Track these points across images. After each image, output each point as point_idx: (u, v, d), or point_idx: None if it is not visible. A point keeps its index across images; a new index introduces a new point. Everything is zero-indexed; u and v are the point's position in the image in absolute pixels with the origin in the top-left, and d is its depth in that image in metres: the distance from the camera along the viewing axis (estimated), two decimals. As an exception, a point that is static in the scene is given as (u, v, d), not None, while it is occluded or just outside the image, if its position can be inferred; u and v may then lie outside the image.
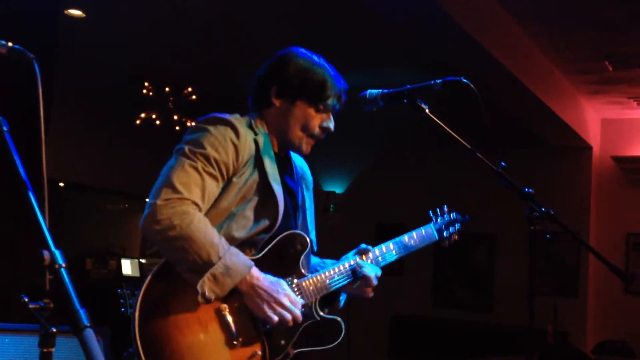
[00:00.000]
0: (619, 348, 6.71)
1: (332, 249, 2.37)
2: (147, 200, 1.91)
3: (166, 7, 5.41)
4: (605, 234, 7.40)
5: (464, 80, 1.83)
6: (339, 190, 8.54)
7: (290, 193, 2.11)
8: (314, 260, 2.25)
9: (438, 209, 2.42)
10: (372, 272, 2.15)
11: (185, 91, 6.68)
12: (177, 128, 6.82)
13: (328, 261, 2.22)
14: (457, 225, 2.45)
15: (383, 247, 2.25)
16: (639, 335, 6.97)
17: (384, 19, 4.58)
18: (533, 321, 2.10)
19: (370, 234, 7.97)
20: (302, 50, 2.14)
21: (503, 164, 1.94)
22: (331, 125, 2.11)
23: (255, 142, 2.03)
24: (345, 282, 2.13)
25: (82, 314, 1.10)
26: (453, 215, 2.45)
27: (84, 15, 5.78)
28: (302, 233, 2.08)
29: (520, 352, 5.15)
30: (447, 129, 1.91)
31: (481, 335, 7.29)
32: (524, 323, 2.10)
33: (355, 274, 2.14)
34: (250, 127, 2.06)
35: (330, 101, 2.08)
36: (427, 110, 1.93)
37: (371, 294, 2.20)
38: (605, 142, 7.52)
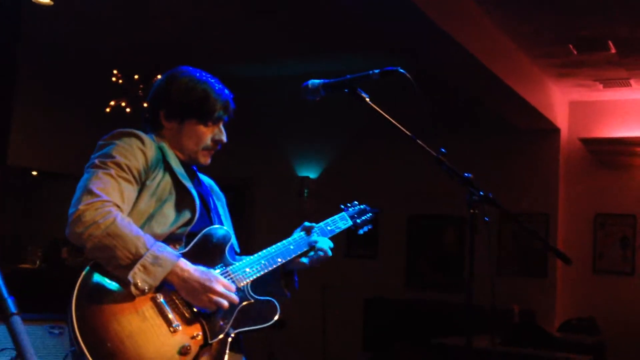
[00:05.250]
0: (585, 325, 6.85)
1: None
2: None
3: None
4: (574, 215, 7.52)
5: (401, 70, 1.89)
6: (312, 175, 8.58)
7: (201, 197, 2.21)
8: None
9: (348, 203, 2.62)
10: (326, 244, 2.34)
11: (154, 79, 6.66)
12: (147, 115, 6.80)
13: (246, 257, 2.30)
14: (368, 215, 2.63)
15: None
16: (606, 313, 7.12)
17: (347, 5, 4.61)
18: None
19: (343, 218, 8.02)
20: (185, 69, 2.27)
21: (443, 150, 2.00)
22: (223, 137, 2.25)
23: (160, 149, 2.15)
24: (272, 267, 2.23)
25: (10, 301, 1.15)
26: (363, 207, 2.65)
27: (51, 2, 5.75)
28: (223, 227, 2.21)
29: (485, 331, 5.26)
30: (388, 117, 1.96)
31: (450, 315, 7.39)
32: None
33: (313, 248, 2.31)
34: (153, 139, 2.18)
35: (216, 114, 2.22)
36: (367, 99, 1.99)
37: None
38: (573, 125, 7.62)
